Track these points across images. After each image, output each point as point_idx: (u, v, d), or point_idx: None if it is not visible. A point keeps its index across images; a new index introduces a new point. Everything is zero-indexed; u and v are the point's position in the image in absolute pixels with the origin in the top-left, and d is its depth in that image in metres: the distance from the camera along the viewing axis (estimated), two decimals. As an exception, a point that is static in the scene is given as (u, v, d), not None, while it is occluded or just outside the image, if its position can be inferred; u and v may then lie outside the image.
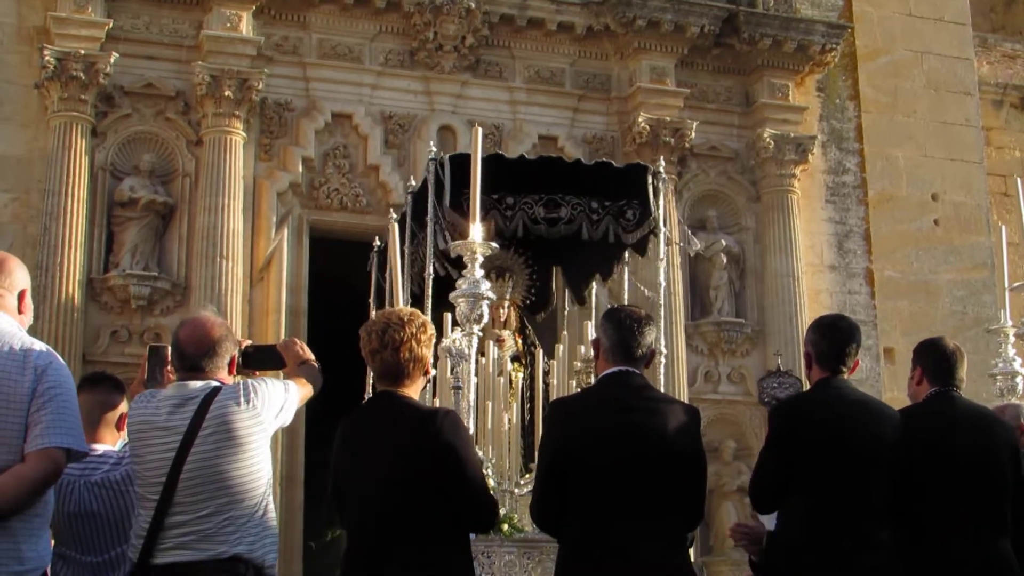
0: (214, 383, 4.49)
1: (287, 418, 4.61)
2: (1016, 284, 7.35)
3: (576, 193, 8.69)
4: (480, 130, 6.85)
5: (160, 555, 4.28)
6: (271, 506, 4.49)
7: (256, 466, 4.41)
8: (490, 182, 7.64)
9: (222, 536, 4.29)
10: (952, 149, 16.72)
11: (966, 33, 17.45)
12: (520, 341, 9.77)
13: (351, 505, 4.68)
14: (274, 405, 4.50)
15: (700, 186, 14.79)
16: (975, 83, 17.31)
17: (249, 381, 4.53)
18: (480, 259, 6.50)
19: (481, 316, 6.51)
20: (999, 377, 8.19)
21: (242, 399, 4.41)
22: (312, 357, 4.99)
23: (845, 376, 5.15)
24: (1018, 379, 8.10)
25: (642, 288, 9.82)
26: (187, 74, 13.05)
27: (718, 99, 15.13)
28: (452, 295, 6.58)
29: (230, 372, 4.64)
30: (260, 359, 4.97)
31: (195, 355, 4.58)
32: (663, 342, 8.63)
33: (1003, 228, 9.22)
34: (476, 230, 6.49)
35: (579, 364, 9.09)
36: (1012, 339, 8.27)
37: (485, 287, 6.48)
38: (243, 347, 4.94)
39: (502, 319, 9.52)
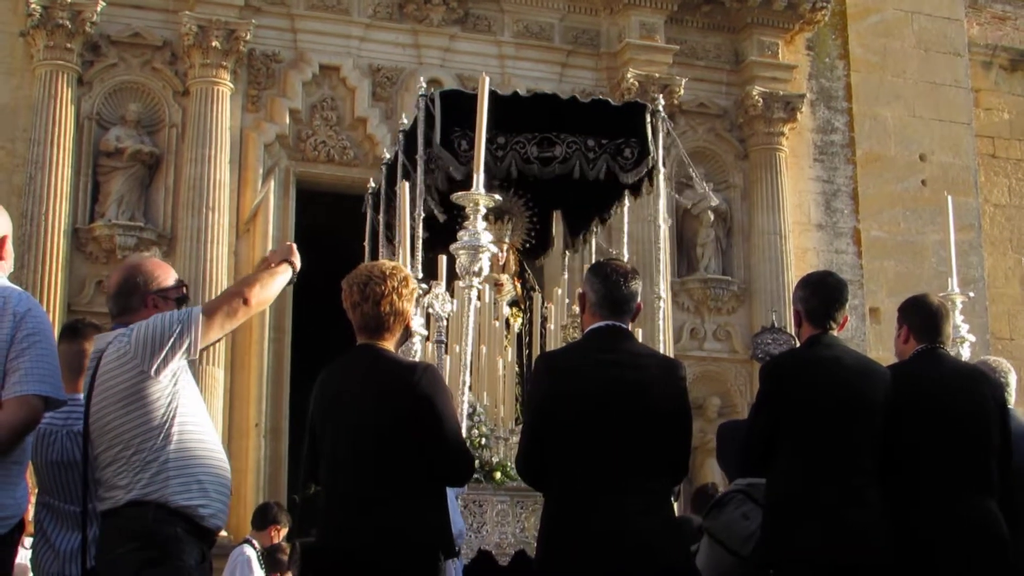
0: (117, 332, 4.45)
1: (191, 350, 4.39)
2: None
3: (571, 131, 8.44)
4: (487, 79, 6.66)
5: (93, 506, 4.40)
6: (180, 448, 4.33)
7: (141, 411, 4.31)
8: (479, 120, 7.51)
9: (118, 483, 4.30)
10: (941, 110, 16.69)
11: (957, -6, 17.39)
12: (519, 286, 9.50)
13: (327, 455, 4.68)
14: (150, 345, 4.33)
15: (688, 143, 14.63)
16: (965, 44, 17.26)
17: (132, 326, 4.42)
18: (483, 210, 6.37)
19: (481, 269, 6.41)
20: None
21: (116, 346, 4.36)
22: (293, 260, 4.80)
23: (835, 332, 5.14)
24: (964, 345, 8.11)
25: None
26: (174, 24, 12.94)
27: (707, 56, 15.03)
28: (453, 247, 6.46)
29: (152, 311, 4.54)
30: None
31: (111, 298, 4.65)
32: (662, 287, 8.53)
33: (950, 198, 9.13)
34: (479, 179, 6.35)
35: (565, 319, 9.01)
36: (960, 305, 8.27)
37: (487, 239, 6.36)
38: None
39: (500, 263, 9.10)
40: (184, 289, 4.75)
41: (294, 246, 4.88)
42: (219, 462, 4.49)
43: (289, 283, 4.81)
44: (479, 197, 6.30)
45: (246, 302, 4.47)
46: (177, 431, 4.32)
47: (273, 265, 4.77)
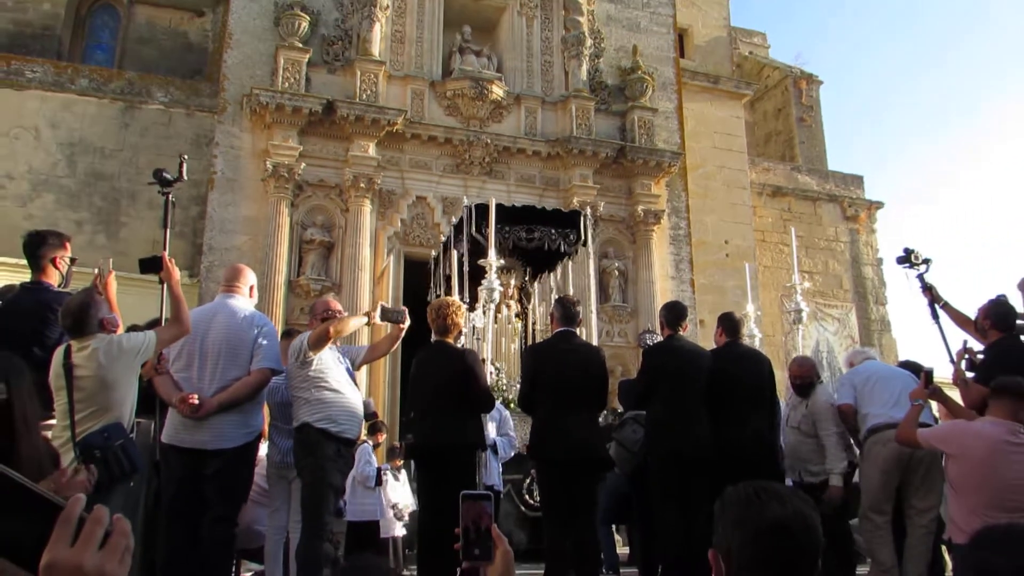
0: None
1: (308, 354, 4.20)
2: (795, 283, 7.10)
3: (542, 224, 8.57)
4: (494, 201, 6.73)
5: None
6: (318, 396, 4.17)
7: (297, 379, 4.21)
8: (497, 219, 7.52)
9: (293, 415, 4.29)
10: (736, 216, 16.74)
11: (744, 158, 17.48)
12: (520, 307, 9.65)
13: (418, 397, 4.66)
14: (294, 349, 4.25)
15: (604, 235, 14.65)
16: (748, 183, 17.35)
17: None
18: (495, 267, 6.37)
19: (493, 299, 6.38)
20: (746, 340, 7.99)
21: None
22: (371, 312, 4.52)
23: (681, 333, 5.10)
24: (756, 340, 7.96)
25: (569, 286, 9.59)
26: (341, 175, 12.96)
27: (615, 191, 14.92)
28: (479, 288, 6.47)
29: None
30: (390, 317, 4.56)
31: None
32: (595, 309, 8.54)
33: (747, 265, 9.10)
34: (492, 253, 6.37)
35: (541, 327, 8.97)
36: (754, 318, 8.13)
37: (496, 284, 6.36)
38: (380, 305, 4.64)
39: (510, 294, 9.38)
40: (337, 315, 4.65)
41: (380, 302, 4.87)
42: (348, 402, 4.28)
43: (396, 321, 4.48)
44: (492, 260, 6.31)
45: (330, 332, 4.25)
46: (315, 387, 4.22)
47: (361, 312, 4.77)
